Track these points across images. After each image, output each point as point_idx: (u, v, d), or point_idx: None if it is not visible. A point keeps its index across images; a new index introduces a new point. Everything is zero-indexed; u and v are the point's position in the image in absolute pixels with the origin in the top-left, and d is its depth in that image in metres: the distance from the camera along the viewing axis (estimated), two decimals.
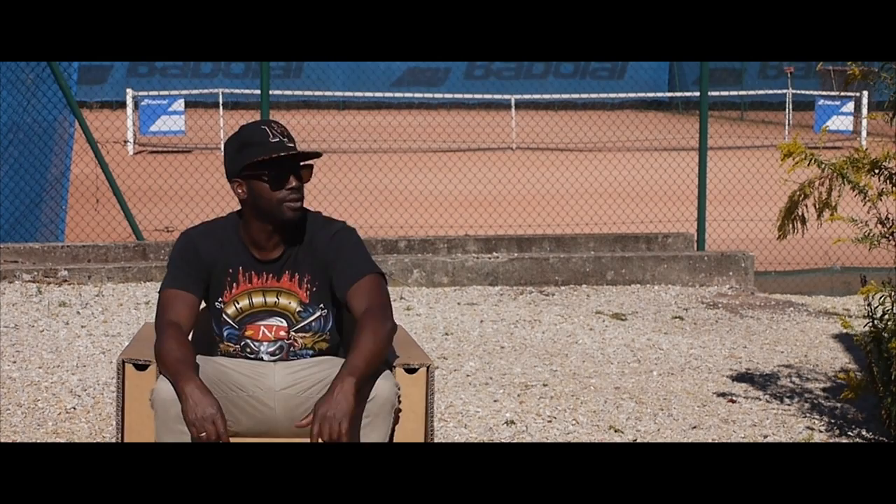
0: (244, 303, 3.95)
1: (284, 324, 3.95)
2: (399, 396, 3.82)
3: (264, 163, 3.85)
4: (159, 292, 4.04)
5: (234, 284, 3.95)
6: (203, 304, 4.03)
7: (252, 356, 3.95)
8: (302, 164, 3.91)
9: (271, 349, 3.95)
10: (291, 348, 3.95)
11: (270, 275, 3.94)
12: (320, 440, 3.59)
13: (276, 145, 3.85)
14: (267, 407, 3.90)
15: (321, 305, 3.95)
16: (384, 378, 3.78)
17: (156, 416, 3.74)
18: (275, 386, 3.91)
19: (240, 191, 3.91)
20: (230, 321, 3.96)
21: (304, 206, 3.98)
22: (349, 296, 3.87)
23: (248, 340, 3.95)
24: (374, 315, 3.80)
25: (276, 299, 3.94)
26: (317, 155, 3.95)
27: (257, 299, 3.94)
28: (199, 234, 4.01)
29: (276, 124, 3.92)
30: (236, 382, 3.89)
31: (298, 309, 3.94)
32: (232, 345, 3.97)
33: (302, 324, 3.95)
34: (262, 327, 3.95)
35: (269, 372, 3.92)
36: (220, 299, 3.97)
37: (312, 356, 3.97)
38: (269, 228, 3.92)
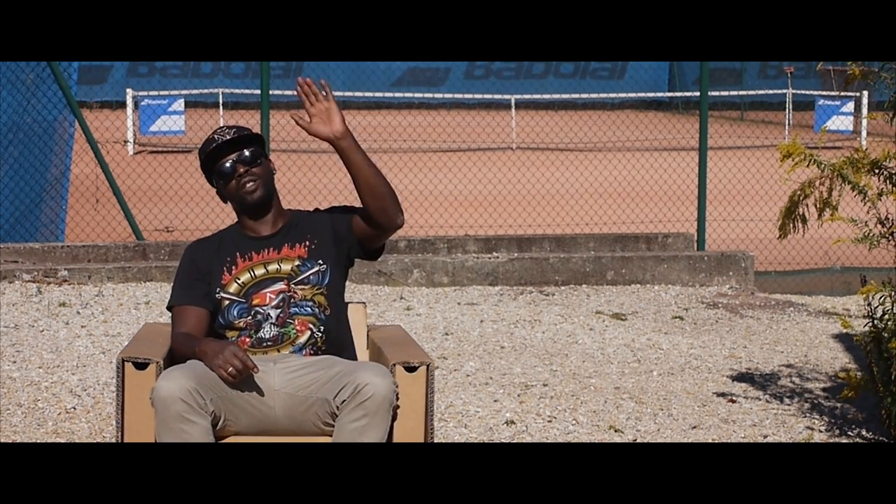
0: (245, 276, 4.11)
1: (285, 281, 4.11)
2: (397, 394, 3.82)
3: (207, 166, 4.16)
4: (168, 309, 4.23)
5: (234, 267, 4.12)
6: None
7: (262, 319, 4.06)
8: (246, 149, 4.15)
9: (275, 302, 4.07)
10: (292, 300, 4.08)
11: (270, 248, 4.15)
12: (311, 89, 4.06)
13: (217, 147, 4.13)
14: (266, 406, 3.91)
15: (320, 261, 4.13)
16: (382, 376, 3.79)
17: (156, 415, 3.75)
18: (274, 385, 3.92)
19: (218, 195, 4.24)
20: (235, 298, 4.08)
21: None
22: (357, 215, 4.19)
23: (257, 308, 4.08)
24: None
25: (277, 266, 4.12)
26: (247, 134, 4.18)
27: (259, 271, 4.12)
28: (196, 244, 4.26)
29: (225, 127, 4.18)
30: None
31: (297, 264, 4.12)
32: (242, 319, 4.07)
33: (300, 277, 4.10)
34: (268, 293, 4.09)
35: (269, 371, 3.93)
36: (221, 283, 4.11)
37: (312, 308, 4.08)
38: (250, 212, 4.16)
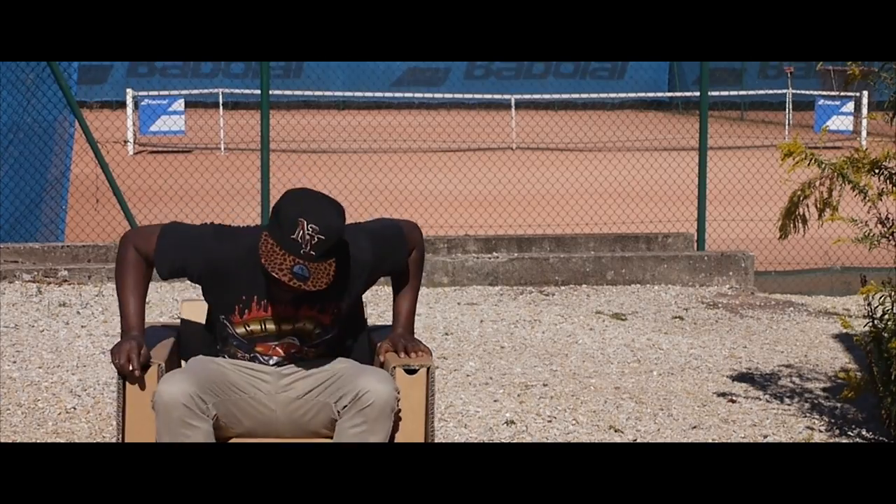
0: (255, 327, 3.89)
1: (297, 342, 3.93)
2: (398, 400, 3.81)
3: (274, 242, 3.69)
4: (162, 226, 3.94)
5: (247, 311, 3.87)
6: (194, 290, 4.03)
7: (260, 363, 3.93)
8: (318, 287, 3.70)
9: (280, 360, 3.94)
10: (298, 356, 3.94)
11: (288, 306, 3.85)
12: (404, 353, 3.91)
13: (289, 246, 3.65)
14: (267, 409, 3.90)
15: (340, 325, 3.95)
16: (383, 382, 3.77)
17: (157, 419, 3.73)
18: (275, 388, 3.90)
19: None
20: (238, 338, 3.92)
21: None
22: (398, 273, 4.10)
23: (258, 353, 3.93)
24: (413, 269, 4.11)
25: (291, 326, 3.89)
26: (316, 294, 3.74)
27: (271, 326, 3.89)
28: (221, 253, 3.84)
29: (317, 226, 3.66)
30: (235, 384, 3.88)
31: (317, 330, 3.92)
32: (240, 352, 3.94)
33: (316, 341, 3.94)
34: (275, 345, 3.92)
35: (270, 373, 3.91)
36: (228, 317, 3.90)
37: (318, 361, 3.95)
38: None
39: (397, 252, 4.02)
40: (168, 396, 3.70)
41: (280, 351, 3.92)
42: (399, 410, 3.83)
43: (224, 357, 3.98)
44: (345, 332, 4.01)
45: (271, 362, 3.93)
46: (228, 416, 3.84)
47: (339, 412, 3.80)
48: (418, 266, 4.10)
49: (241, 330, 3.90)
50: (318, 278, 3.67)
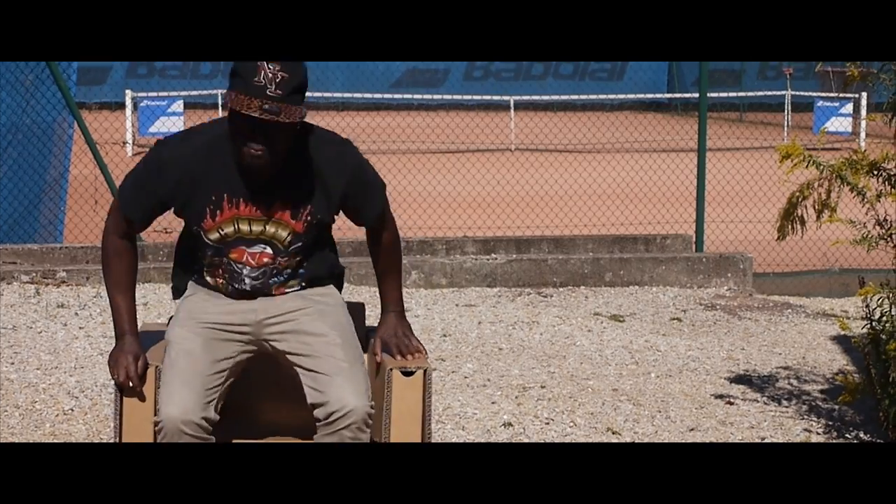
0: (229, 229, 3.83)
1: (270, 251, 3.87)
2: (371, 415, 3.76)
3: (233, 88, 3.66)
4: (117, 197, 3.91)
5: (218, 212, 3.81)
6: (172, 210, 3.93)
7: (235, 277, 3.89)
8: (286, 116, 3.63)
9: (254, 274, 3.89)
10: (274, 271, 3.91)
11: (260, 203, 3.80)
12: (400, 357, 3.97)
13: (255, 90, 3.62)
14: (252, 352, 3.89)
15: (314, 234, 3.90)
16: (358, 396, 3.72)
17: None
18: (254, 337, 3.90)
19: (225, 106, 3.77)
20: (212, 244, 3.86)
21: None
22: (369, 229, 4.04)
23: (232, 262, 3.88)
24: (393, 245, 4.07)
25: (263, 228, 3.84)
26: (289, 123, 3.67)
27: (244, 226, 3.83)
28: (176, 154, 3.79)
29: (278, 64, 3.65)
30: (224, 357, 3.85)
31: (289, 238, 3.86)
32: (216, 258, 3.89)
33: (290, 249, 3.89)
34: (247, 253, 3.86)
35: (252, 323, 3.90)
36: (200, 224, 3.84)
37: (291, 274, 3.93)
38: (240, 170, 3.77)
39: (373, 193, 3.94)
40: (172, 426, 3.65)
41: (252, 261, 3.86)
42: (371, 415, 3.78)
43: (204, 270, 3.92)
44: (315, 246, 3.95)
45: (245, 272, 3.87)
46: (227, 390, 3.85)
47: (314, 418, 3.77)
48: (398, 252, 4.09)
49: (214, 235, 3.83)
50: (291, 113, 3.63)
